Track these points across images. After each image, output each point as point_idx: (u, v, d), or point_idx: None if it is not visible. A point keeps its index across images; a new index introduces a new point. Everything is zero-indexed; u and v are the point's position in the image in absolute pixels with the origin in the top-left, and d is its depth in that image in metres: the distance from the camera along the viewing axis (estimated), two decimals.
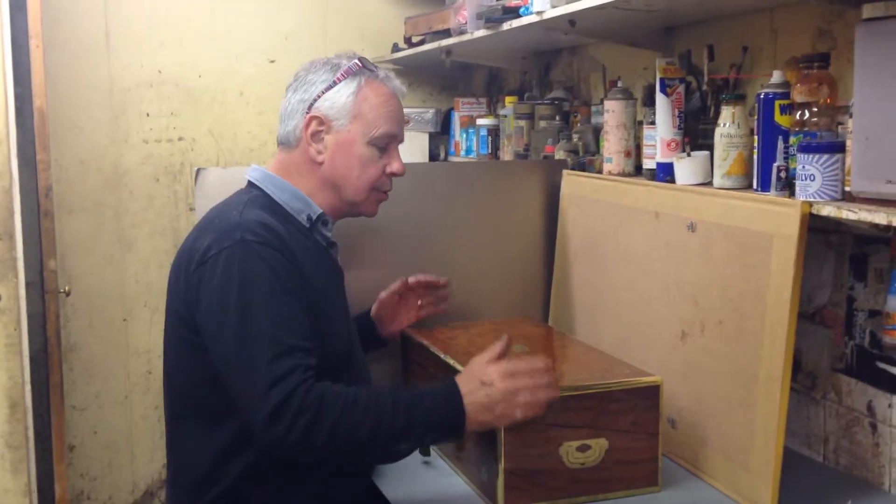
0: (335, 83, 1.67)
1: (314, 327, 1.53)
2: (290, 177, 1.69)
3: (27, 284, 2.76)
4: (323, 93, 1.67)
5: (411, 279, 2.00)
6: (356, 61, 1.69)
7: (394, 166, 1.72)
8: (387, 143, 1.70)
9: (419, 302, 2.02)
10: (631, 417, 1.62)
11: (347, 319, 1.74)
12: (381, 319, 1.99)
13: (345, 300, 1.75)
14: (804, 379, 1.81)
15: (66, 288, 3.00)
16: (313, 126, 1.67)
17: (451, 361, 1.73)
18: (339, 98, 1.66)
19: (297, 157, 1.69)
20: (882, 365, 1.64)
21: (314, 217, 1.67)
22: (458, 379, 1.54)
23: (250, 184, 1.71)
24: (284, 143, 1.71)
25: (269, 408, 1.41)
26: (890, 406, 1.62)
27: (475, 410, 1.50)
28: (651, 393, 1.63)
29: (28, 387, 2.72)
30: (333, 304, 1.66)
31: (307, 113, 1.67)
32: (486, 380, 1.51)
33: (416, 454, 1.68)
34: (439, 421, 1.49)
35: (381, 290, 2.01)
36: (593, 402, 1.60)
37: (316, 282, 1.59)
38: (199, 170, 2.00)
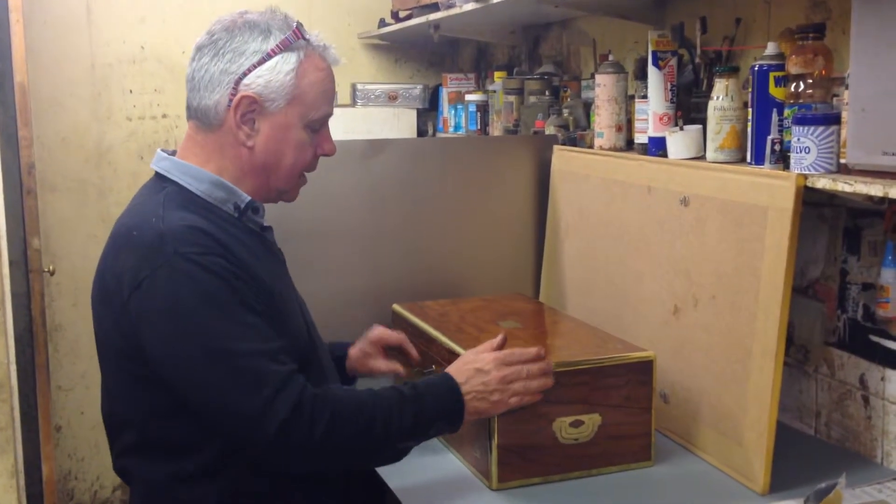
0: (270, 56, 1.43)
1: (276, 328, 1.42)
2: (209, 161, 1.47)
3: (11, 263, 2.73)
4: (255, 66, 1.42)
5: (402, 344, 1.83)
6: (294, 29, 1.45)
7: (326, 147, 1.53)
8: (321, 125, 1.52)
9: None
10: (624, 392, 1.61)
11: (300, 304, 1.60)
12: (358, 363, 1.81)
13: (291, 285, 1.59)
14: (796, 353, 1.81)
15: (51, 267, 2.97)
16: (244, 106, 1.43)
17: (444, 339, 1.72)
18: (276, 76, 1.43)
19: (221, 139, 1.46)
20: (875, 338, 1.63)
21: (242, 205, 1.47)
22: (451, 370, 1.51)
23: (160, 176, 1.49)
24: (202, 121, 1.47)
25: (278, 422, 1.31)
26: (882, 379, 1.62)
27: (472, 398, 1.47)
28: (644, 368, 1.62)
29: (13, 367, 2.69)
30: (283, 294, 1.50)
31: (234, 89, 1.43)
32: (482, 367, 1.49)
33: None
34: (442, 413, 1.46)
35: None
36: (586, 378, 1.59)
37: (264, 277, 1.43)
38: None
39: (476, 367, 1.49)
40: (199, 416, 1.38)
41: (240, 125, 1.45)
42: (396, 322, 2.00)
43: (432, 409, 1.45)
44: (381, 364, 1.78)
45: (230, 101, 1.44)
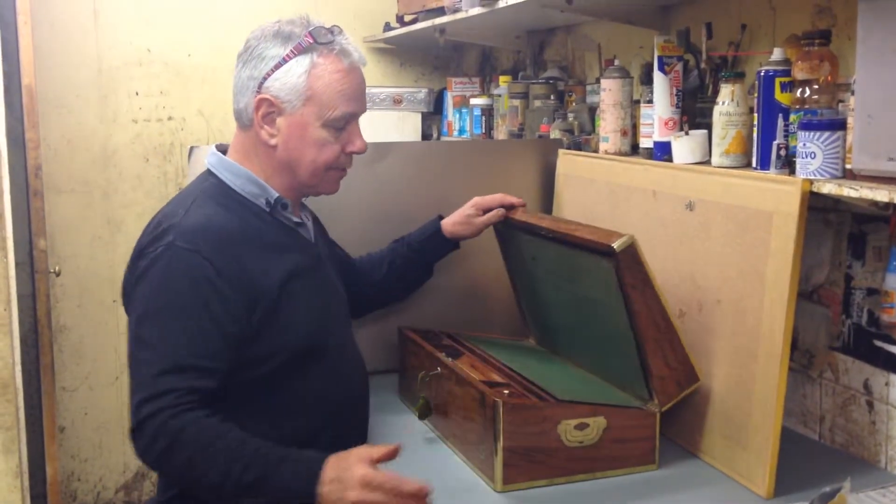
0: (285, 60, 1.56)
1: (258, 332, 1.50)
2: (247, 158, 1.62)
3: (17, 264, 2.74)
4: (272, 71, 1.56)
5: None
6: (307, 34, 1.57)
7: (355, 145, 1.63)
8: (345, 123, 1.60)
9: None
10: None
11: (330, 297, 1.66)
12: (457, 227, 1.97)
13: (322, 279, 1.66)
14: (801, 357, 1.81)
15: (56, 268, 2.98)
16: (263, 108, 1.57)
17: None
18: (290, 78, 1.55)
19: (252, 139, 1.61)
20: (879, 343, 1.64)
21: (272, 201, 1.60)
22: (329, 462, 1.40)
23: (208, 170, 1.64)
24: (239, 123, 1.63)
25: (136, 422, 1.43)
26: (887, 384, 1.63)
27: (323, 501, 1.38)
28: None
29: (18, 368, 2.70)
30: (298, 292, 1.57)
31: (257, 92, 1.57)
32: (347, 481, 1.37)
33: (416, 428, 1.71)
34: (289, 493, 1.40)
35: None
36: None
37: (270, 276, 1.52)
38: (192, 148, 1.98)
39: (342, 475, 1.38)
40: None
41: (262, 125, 1.58)
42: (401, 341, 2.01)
43: (280, 484, 1.40)
44: (483, 219, 1.96)
45: (253, 104, 1.58)
